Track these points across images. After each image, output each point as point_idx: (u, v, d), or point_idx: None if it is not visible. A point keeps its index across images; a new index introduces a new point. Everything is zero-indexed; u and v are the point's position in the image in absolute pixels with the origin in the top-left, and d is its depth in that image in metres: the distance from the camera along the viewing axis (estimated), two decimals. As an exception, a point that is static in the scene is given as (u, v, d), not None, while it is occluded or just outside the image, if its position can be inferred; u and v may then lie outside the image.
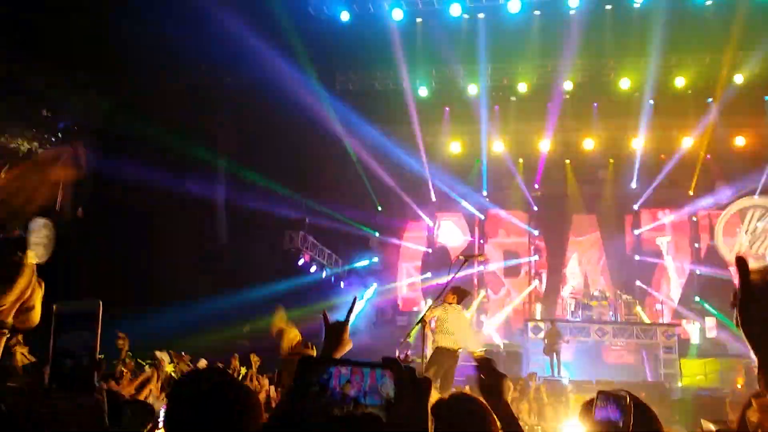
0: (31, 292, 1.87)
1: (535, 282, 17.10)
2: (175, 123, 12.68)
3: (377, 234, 18.21)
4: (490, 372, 2.26)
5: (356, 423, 1.41)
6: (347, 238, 17.36)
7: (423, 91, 17.42)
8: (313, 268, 16.17)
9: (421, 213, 18.35)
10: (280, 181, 14.72)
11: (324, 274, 16.66)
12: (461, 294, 7.36)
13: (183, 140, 12.77)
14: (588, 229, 17.71)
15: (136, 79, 12.77)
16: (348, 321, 2.06)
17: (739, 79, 15.95)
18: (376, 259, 17.95)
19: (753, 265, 1.46)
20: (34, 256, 1.87)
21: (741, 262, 1.40)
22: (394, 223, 18.51)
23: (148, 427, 2.69)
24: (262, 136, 14.96)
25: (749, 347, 1.37)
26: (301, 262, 15.58)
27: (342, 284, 17.23)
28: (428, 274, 17.91)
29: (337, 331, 2.01)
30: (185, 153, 13.05)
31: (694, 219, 17.15)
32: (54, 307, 1.37)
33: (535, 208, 17.95)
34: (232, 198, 14.90)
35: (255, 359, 8.13)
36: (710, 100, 16.27)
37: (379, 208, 18.29)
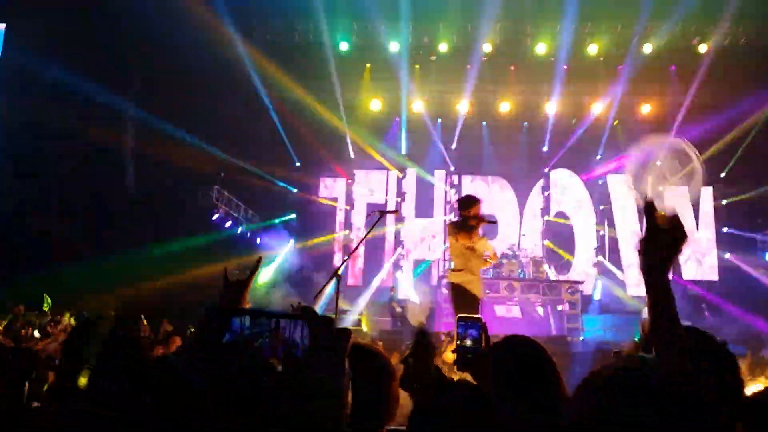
0: None
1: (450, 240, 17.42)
2: (78, 64, 11.91)
3: (295, 190, 17.97)
4: (425, 346, 2.25)
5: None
6: (264, 194, 17.05)
7: (344, 46, 17.12)
8: (228, 224, 15.79)
9: (338, 169, 18.25)
10: (194, 132, 14.19)
11: (239, 230, 16.32)
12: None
13: (87, 83, 12.04)
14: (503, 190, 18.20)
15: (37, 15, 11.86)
16: (249, 280, 1.98)
17: (647, 48, 16.61)
18: (293, 215, 17.74)
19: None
20: None
21: (649, 205, 1.45)
22: (311, 179, 18.34)
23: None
24: (175, 85, 14.30)
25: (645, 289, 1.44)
26: (215, 216, 15.18)
27: (258, 240, 16.96)
28: (346, 231, 17.97)
29: (236, 289, 1.94)
30: (89, 97, 12.33)
31: (600, 182, 17.92)
32: None
33: (452, 168, 18.23)
34: (140, 148, 14.23)
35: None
36: (620, 68, 16.85)
37: (297, 164, 18.03)
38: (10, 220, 12.44)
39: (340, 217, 18.17)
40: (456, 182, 18.15)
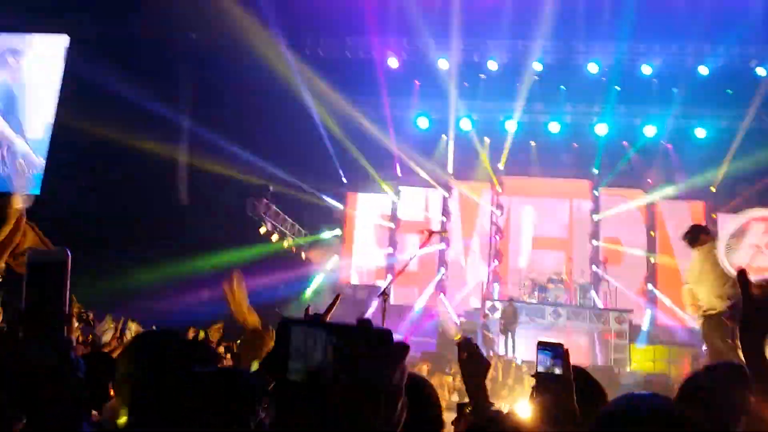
0: (21, 237, 1.93)
1: (495, 262, 17.25)
2: (136, 77, 12.21)
3: (341, 206, 18.05)
4: (471, 354, 2.24)
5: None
6: (311, 209, 17.15)
7: (393, 63, 17.17)
8: (275, 237, 15.92)
9: (385, 186, 18.23)
10: (244, 145, 14.39)
11: (286, 244, 16.43)
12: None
13: (144, 95, 12.33)
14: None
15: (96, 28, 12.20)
16: (326, 316, 1.94)
17: (703, 70, 16.22)
18: (339, 232, 17.80)
19: (753, 278, 1.48)
20: (19, 201, 1.94)
21: (742, 274, 1.38)
22: (357, 195, 18.39)
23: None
24: (228, 99, 14.55)
25: (745, 360, 1.39)
26: (263, 230, 15.31)
27: (303, 255, 17.05)
28: (390, 249, 17.94)
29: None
30: (145, 109, 12.62)
31: (651, 207, 17.50)
32: (26, 256, 1.27)
33: (500, 189, 18.02)
34: (194, 159, 14.49)
35: (216, 327, 8.00)
36: (674, 89, 16.48)
37: (344, 180, 18.09)
38: (66, 227, 12.76)
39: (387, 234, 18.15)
40: (502, 203, 17.90)
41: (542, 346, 2.13)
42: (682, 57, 16.50)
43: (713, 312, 5.40)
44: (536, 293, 14.46)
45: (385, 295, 5.89)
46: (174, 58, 14.19)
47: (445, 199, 18.37)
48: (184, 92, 14.78)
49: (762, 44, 15.79)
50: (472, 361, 2.16)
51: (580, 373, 2.31)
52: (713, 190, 16.87)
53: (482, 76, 17.41)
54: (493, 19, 16.08)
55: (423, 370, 10.82)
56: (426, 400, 2.20)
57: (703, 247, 5.59)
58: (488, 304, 14.35)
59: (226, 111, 14.39)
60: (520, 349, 12.91)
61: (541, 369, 2.09)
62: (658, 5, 15.34)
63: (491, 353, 12.25)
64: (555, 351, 2.09)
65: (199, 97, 14.82)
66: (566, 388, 1.95)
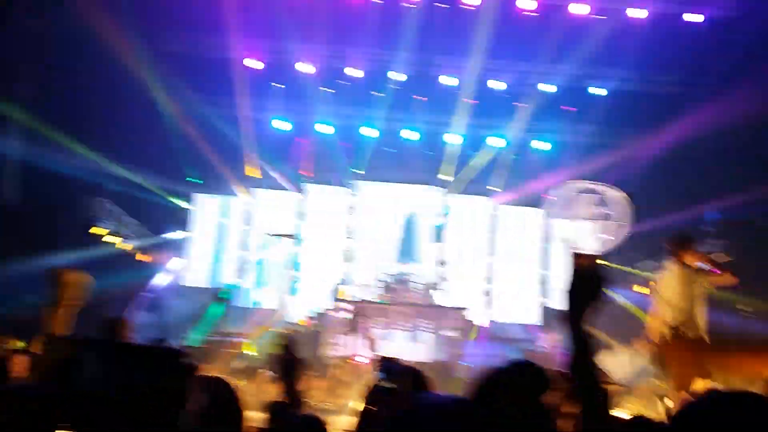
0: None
1: (347, 264, 17.54)
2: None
3: (189, 205, 17.63)
4: (287, 356, 2.38)
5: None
6: (156, 209, 16.63)
7: (252, 64, 17.06)
8: (113, 238, 15.24)
9: (238, 188, 18.06)
10: (83, 142, 13.70)
11: (124, 245, 15.79)
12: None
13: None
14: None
15: None
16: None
17: (546, 88, 17.41)
18: (186, 233, 17.37)
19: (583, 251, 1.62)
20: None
21: (576, 256, 1.55)
22: (208, 196, 18.09)
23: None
24: (68, 92, 13.82)
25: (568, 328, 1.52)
26: (100, 230, 14.64)
27: (146, 257, 16.48)
28: (242, 251, 17.78)
29: None
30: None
31: (494, 213, 18.61)
32: None
33: (355, 193, 18.40)
34: (26, 154, 13.61)
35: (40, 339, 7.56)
36: (519, 105, 17.56)
37: (195, 180, 17.71)
38: None
39: (235, 237, 17.96)
40: (356, 206, 18.28)
41: (382, 362, 2.40)
42: (527, 75, 17.57)
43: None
44: (384, 293, 14.85)
45: (222, 297, 5.81)
46: (7, 47, 13.28)
47: (300, 202, 18.46)
48: (18, 84, 13.88)
49: (598, 67, 17.15)
50: (287, 362, 2.27)
51: (411, 372, 2.57)
52: (551, 198, 18.17)
53: (343, 82, 17.67)
54: (356, 28, 16.40)
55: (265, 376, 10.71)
56: (225, 402, 2.26)
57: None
58: (337, 305, 14.54)
59: (66, 105, 13.67)
60: (367, 349, 13.14)
61: (377, 383, 2.27)
62: (507, 28, 16.31)
63: (331, 354, 12.42)
64: (390, 367, 2.35)
65: (35, 89, 13.97)
66: (396, 400, 2.10)
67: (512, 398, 1.72)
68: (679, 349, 5.60)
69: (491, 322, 16.56)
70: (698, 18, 15.29)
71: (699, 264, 5.81)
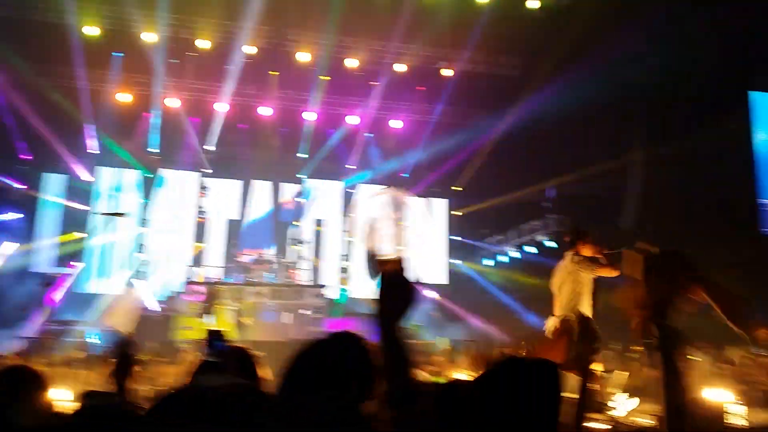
0: None
1: (199, 244, 16.90)
2: None
3: (23, 186, 16.04)
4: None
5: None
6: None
7: (91, 31, 15.72)
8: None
9: (77, 166, 16.68)
10: None
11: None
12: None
13: None
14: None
15: None
16: None
17: (400, 68, 17.71)
18: (17, 215, 15.78)
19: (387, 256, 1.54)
20: None
21: (374, 260, 1.48)
22: (43, 174, 16.56)
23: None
24: None
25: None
26: None
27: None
28: (84, 234, 16.51)
29: None
30: None
31: (351, 192, 18.73)
32: None
33: (206, 170, 17.69)
34: None
35: None
36: (374, 83, 17.74)
37: (25, 156, 16.11)
38: None
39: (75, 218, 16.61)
40: (207, 185, 17.57)
41: (209, 336, 2.41)
42: (382, 54, 17.75)
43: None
44: (240, 274, 14.50)
45: (46, 283, 5.26)
46: None
47: (147, 180, 17.45)
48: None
49: (448, 48, 17.70)
50: (120, 360, 2.28)
51: (239, 351, 2.61)
52: (405, 176, 18.74)
53: (192, 54, 16.81)
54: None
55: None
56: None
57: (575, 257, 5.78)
58: (188, 287, 13.98)
59: None
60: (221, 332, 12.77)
61: (207, 357, 2.27)
62: (364, 4, 16.34)
63: (183, 338, 11.93)
64: (215, 342, 2.37)
65: None
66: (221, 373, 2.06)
67: (326, 371, 1.71)
68: (562, 341, 5.64)
69: (349, 299, 16.74)
70: (535, 4, 16.21)
71: (593, 255, 5.93)
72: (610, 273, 5.45)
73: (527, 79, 16.51)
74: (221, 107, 17.18)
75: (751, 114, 17.52)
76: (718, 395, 6.24)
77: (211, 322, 12.27)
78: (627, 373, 8.04)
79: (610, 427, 5.95)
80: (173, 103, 16.96)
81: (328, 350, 1.77)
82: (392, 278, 1.57)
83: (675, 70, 14.80)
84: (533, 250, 17.15)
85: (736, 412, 6.04)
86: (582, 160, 15.37)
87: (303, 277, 15.74)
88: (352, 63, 17.62)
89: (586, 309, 5.49)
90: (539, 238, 17.15)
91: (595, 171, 15.01)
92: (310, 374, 1.70)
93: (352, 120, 18.10)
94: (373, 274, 1.57)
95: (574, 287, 5.56)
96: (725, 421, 5.67)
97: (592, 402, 6.06)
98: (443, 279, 18.64)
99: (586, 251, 5.78)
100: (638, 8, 14.13)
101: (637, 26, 13.90)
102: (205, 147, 17.58)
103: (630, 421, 6.49)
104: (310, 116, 17.81)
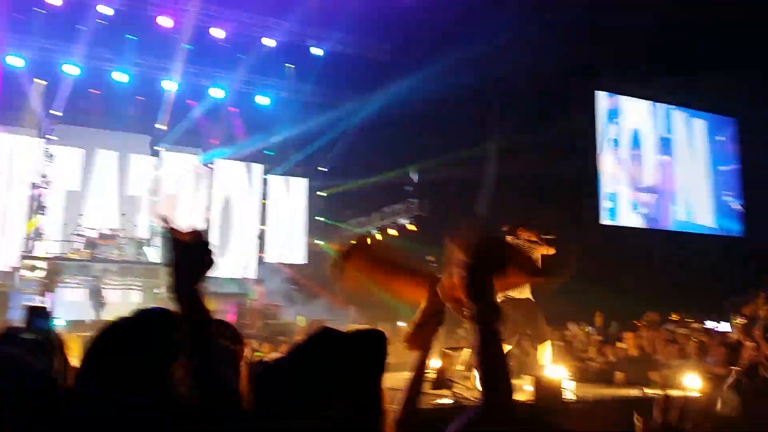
0: None
1: (37, 217, 15.56)
2: None
3: None
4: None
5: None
6: None
7: None
8: None
9: None
10: None
11: None
12: None
13: None
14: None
15: None
16: None
17: (269, 43, 17.29)
18: None
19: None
20: None
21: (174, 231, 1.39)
22: None
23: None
24: None
25: None
26: None
27: None
28: None
29: None
30: None
31: (211, 167, 18.08)
32: None
33: (51, 137, 16.27)
34: None
35: None
36: (241, 56, 17.18)
37: None
38: None
39: None
40: (52, 152, 16.17)
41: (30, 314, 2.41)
42: (251, 26, 17.23)
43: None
44: (86, 249, 13.56)
45: None
46: None
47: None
48: None
49: (319, 27, 17.51)
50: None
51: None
52: (270, 154, 18.41)
53: (40, 10, 15.38)
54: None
55: None
56: None
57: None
58: (27, 262, 12.88)
59: None
60: (63, 309, 11.92)
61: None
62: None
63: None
64: (34, 318, 2.39)
65: None
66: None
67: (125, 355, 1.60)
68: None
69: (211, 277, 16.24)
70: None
71: (532, 238, 6.39)
72: (548, 251, 6.36)
73: (395, 64, 16.78)
74: (71, 70, 15.85)
75: (596, 112, 18.99)
76: (557, 372, 6.71)
77: (48, 301, 11.43)
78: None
79: (452, 401, 6.19)
80: (16, 62, 15.42)
81: (129, 331, 1.65)
82: (186, 248, 1.49)
83: (530, 65, 15.66)
84: (394, 233, 17.53)
85: (569, 387, 6.50)
86: (444, 147, 15.88)
87: (156, 254, 15.01)
88: (218, 33, 16.96)
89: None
90: (401, 221, 17.56)
91: (456, 158, 15.56)
92: (108, 360, 1.58)
93: (216, 93, 17.40)
94: (167, 249, 1.47)
95: None
96: (563, 397, 6.07)
97: (441, 380, 6.34)
98: (302, 259, 18.59)
99: (526, 235, 6.49)
100: (498, 5, 14.76)
101: (497, 21, 14.53)
102: (51, 111, 16.15)
103: (475, 397, 6.83)
104: (170, 86, 16.89)
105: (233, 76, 17.31)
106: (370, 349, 1.55)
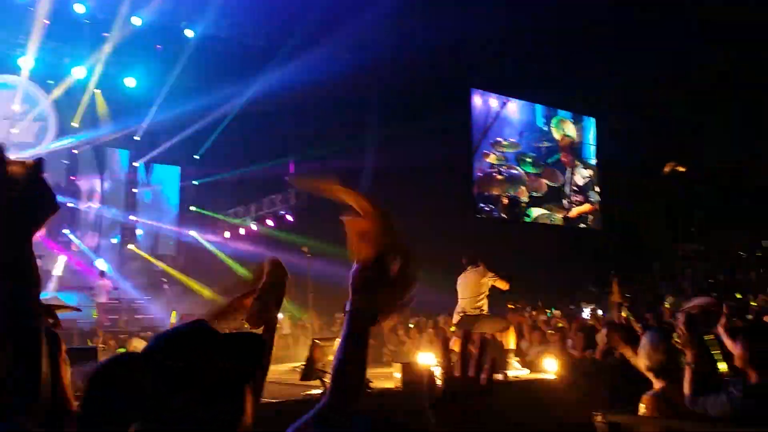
0: None
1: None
2: None
3: None
4: None
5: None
6: None
7: None
8: None
9: None
10: None
11: None
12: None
13: None
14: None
15: None
16: None
17: (137, 21, 16.29)
18: None
19: None
20: None
21: None
22: None
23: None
24: None
25: None
26: None
27: None
28: None
29: None
30: None
31: (75, 152, 16.88)
32: None
33: None
34: None
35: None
36: (107, 34, 16.09)
37: None
38: None
39: None
40: None
41: None
42: (118, 3, 16.15)
43: (472, 313, 7.59)
44: None
45: None
46: None
47: None
48: None
49: (192, 8, 16.72)
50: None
51: None
52: (137, 139, 17.40)
53: None
54: None
55: None
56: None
57: (478, 269, 7.68)
58: None
59: None
60: None
61: None
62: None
63: None
64: None
65: None
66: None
67: None
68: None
69: (67, 270, 15.16)
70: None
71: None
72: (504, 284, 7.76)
73: (272, 52, 16.38)
74: None
75: (471, 109, 19.66)
76: (427, 359, 6.85)
77: None
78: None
79: (321, 392, 6.15)
80: None
81: None
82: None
83: (407, 58, 15.92)
84: (271, 223, 17.18)
85: (437, 374, 6.64)
86: (322, 137, 15.77)
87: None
88: (80, 8, 15.75)
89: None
90: (279, 212, 17.22)
91: (335, 148, 15.49)
92: None
93: (78, 72, 16.16)
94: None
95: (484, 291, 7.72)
96: (435, 382, 6.19)
97: (311, 370, 6.29)
98: (173, 250, 17.79)
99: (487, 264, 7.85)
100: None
101: (375, 12, 14.57)
102: None
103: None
104: (26, 63, 15.49)
105: (97, 56, 16.14)
106: (244, 353, 1.43)
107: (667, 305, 8.54)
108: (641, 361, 3.23)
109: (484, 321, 7.53)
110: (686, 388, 3.09)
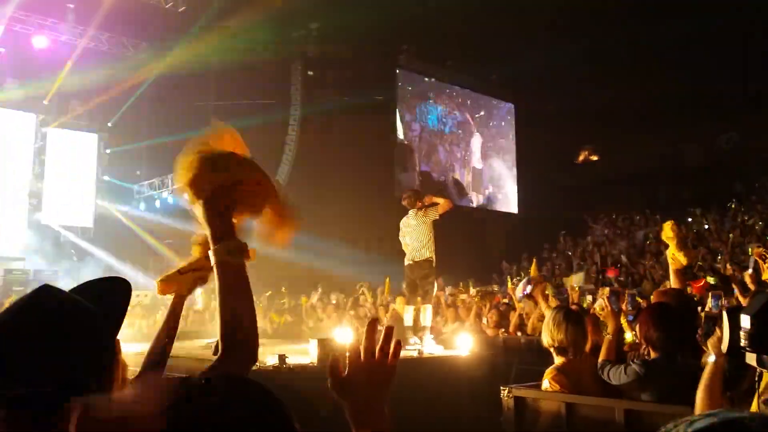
0: None
1: None
2: None
3: None
4: None
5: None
6: None
7: None
8: None
9: None
10: None
11: None
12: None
13: None
14: None
15: None
16: None
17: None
18: None
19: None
20: None
21: None
22: None
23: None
24: None
25: None
26: None
27: None
28: None
29: None
30: None
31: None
32: None
33: None
34: None
35: None
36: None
37: None
38: None
39: None
40: None
41: None
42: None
43: (418, 259, 6.96)
44: None
45: None
46: None
47: None
48: None
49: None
50: None
51: None
52: (46, 103, 16.41)
53: None
54: None
55: None
56: None
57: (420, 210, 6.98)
58: None
59: None
60: None
61: None
62: None
63: None
64: None
65: None
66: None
67: None
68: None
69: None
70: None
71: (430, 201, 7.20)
72: (447, 206, 7.18)
73: (192, 17, 15.72)
74: None
75: (397, 88, 19.61)
76: (343, 335, 6.88)
77: None
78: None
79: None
80: None
81: None
82: None
83: (334, 37, 15.72)
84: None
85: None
86: (246, 110, 15.37)
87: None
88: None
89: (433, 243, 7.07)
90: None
91: (257, 123, 15.13)
92: None
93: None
94: None
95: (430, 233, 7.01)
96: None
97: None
98: (89, 222, 16.93)
99: (427, 200, 7.22)
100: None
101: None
102: None
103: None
104: None
105: (2, 12, 15.01)
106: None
107: (575, 286, 8.94)
108: (544, 338, 3.38)
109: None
110: (601, 356, 3.30)
